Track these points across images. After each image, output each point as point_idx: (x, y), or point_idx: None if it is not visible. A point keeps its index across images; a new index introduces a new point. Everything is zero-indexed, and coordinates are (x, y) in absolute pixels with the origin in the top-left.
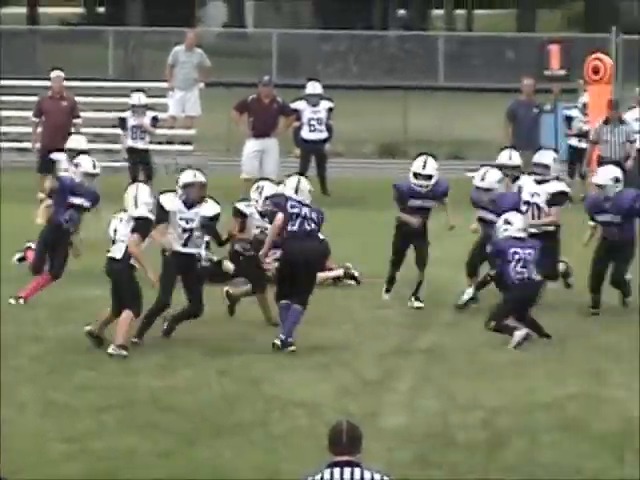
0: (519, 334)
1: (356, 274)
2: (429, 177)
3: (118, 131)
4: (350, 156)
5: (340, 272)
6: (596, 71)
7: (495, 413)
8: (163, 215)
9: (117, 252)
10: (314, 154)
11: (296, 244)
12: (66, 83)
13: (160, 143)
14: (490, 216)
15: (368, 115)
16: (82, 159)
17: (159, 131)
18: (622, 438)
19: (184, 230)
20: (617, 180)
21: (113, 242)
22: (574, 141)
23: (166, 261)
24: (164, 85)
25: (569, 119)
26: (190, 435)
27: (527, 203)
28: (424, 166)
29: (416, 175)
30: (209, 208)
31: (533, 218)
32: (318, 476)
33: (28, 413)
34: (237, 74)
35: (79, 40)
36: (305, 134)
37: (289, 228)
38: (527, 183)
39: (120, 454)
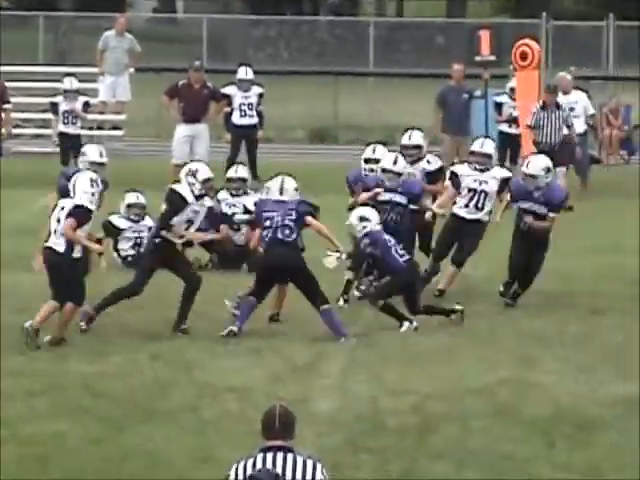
0: (408, 325)
1: None
2: (379, 161)
3: (49, 116)
4: (280, 141)
5: None
6: (524, 57)
7: (425, 398)
8: (183, 205)
9: (59, 245)
10: (245, 139)
11: (272, 251)
12: None
13: (90, 128)
14: (391, 196)
15: (298, 100)
16: (88, 148)
17: (89, 116)
18: (552, 423)
19: (188, 220)
20: (548, 170)
21: (55, 231)
22: (504, 127)
23: (150, 249)
24: (94, 70)
25: (499, 105)
26: (120, 420)
27: (473, 190)
28: (374, 151)
29: (367, 160)
30: (208, 200)
31: (479, 205)
32: (250, 460)
33: None
34: (167, 59)
35: (9, 25)
36: (236, 119)
37: (268, 235)
38: (466, 171)
39: (50, 439)
